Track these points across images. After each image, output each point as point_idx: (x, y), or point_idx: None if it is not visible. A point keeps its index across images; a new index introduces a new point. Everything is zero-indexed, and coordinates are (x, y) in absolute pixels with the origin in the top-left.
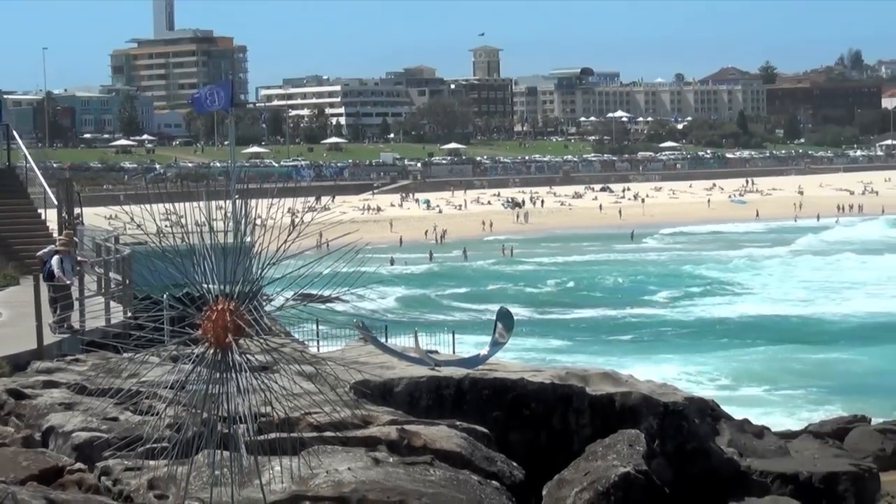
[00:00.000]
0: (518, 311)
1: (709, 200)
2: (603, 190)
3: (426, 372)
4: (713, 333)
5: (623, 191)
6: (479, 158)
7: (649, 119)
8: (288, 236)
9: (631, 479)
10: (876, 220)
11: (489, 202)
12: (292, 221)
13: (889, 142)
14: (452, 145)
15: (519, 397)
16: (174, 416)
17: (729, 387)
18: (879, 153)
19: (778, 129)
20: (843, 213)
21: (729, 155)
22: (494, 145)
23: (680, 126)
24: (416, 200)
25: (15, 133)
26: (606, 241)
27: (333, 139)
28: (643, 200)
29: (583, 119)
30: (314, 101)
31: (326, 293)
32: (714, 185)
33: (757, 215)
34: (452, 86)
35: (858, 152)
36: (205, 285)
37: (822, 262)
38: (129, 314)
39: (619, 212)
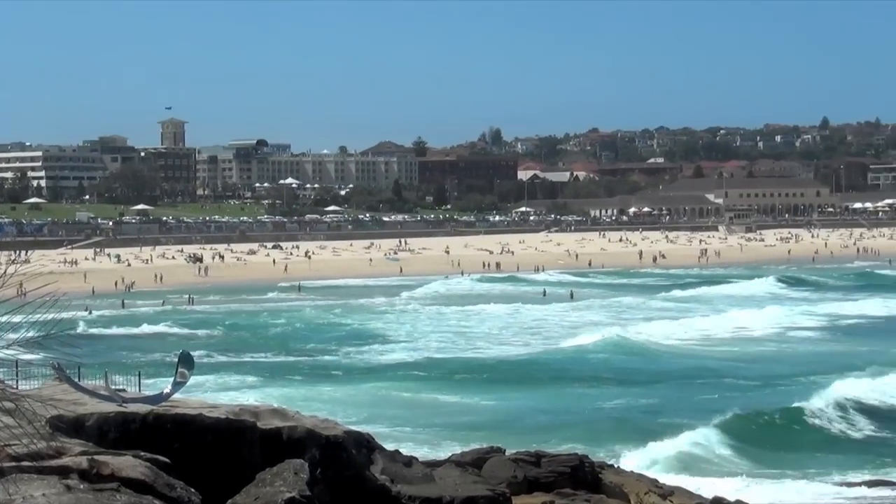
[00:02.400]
0: (196, 354)
1: (371, 259)
2: (275, 247)
3: (115, 408)
4: (361, 376)
5: (292, 248)
6: (165, 218)
7: (316, 185)
8: None
9: (295, 503)
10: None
11: (173, 257)
12: None
13: (523, 209)
14: (141, 206)
15: (198, 430)
16: None
17: (380, 424)
18: (515, 218)
19: (428, 196)
20: (487, 269)
21: (385, 218)
22: (179, 207)
23: (343, 192)
24: (108, 255)
25: None
26: (276, 291)
27: (34, 199)
28: (310, 257)
29: (258, 185)
30: (17, 164)
31: (26, 337)
32: (372, 244)
33: (401, 271)
34: (142, 153)
35: (497, 217)
36: None
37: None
38: None
39: (286, 267)
